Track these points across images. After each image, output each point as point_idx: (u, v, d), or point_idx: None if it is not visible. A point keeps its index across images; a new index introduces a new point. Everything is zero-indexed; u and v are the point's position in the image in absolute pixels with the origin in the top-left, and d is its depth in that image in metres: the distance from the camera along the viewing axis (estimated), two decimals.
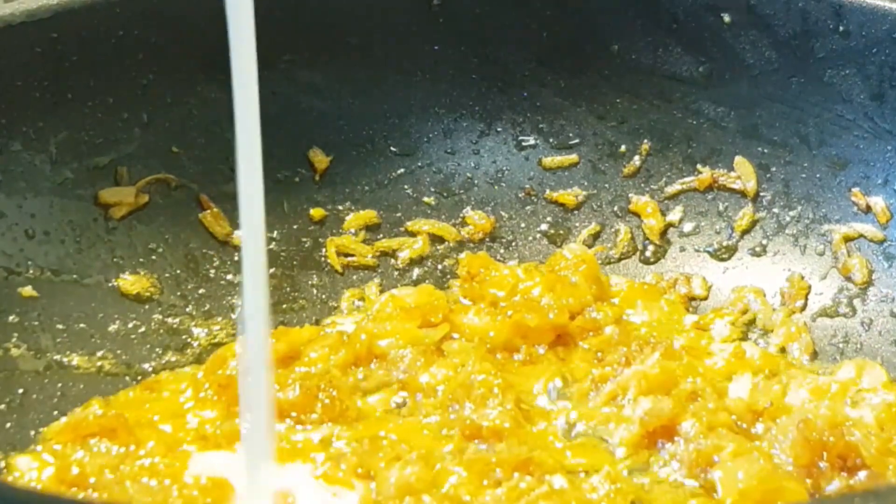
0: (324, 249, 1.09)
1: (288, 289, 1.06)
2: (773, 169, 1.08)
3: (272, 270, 1.07)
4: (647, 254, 1.10)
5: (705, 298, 1.07)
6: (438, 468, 0.82)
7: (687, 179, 1.11)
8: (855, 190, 1.05)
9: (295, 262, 1.08)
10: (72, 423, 0.90)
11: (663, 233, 1.10)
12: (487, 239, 1.11)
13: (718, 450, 0.84)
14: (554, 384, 0.95)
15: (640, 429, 0.87)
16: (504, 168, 1.14)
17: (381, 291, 1.06)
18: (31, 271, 0.99)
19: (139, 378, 0.98)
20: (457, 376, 0.92)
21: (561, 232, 1.12)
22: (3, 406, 0.92)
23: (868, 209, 1.04)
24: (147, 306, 1.02)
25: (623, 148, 1.12)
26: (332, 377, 0.92)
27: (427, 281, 1.08)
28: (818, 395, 0.92)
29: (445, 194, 1.13)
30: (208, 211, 1.07)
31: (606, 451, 0.88)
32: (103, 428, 0.88)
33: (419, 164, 1.13)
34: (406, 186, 1.13)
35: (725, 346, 1.00)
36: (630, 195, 1.12)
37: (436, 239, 1.11)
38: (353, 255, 1.09)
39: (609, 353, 0.96)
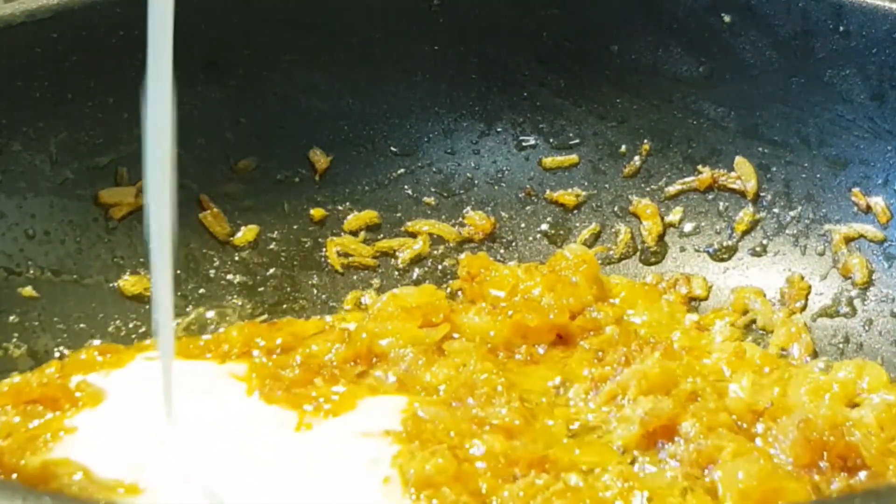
0: (324, 249, 1.09)
1: (288, 289, 1.06)
2: (774, 169, 1.08)
3: (272, 270, 1.07)
4: (648, 254, 1.10)
5: (705, 298, 1.07)
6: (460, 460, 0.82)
7: (687, 179, 1.11)
8: (855, 190, 1.05)
9: (295, 262, 1.08)
10: (14, 387, 0.87)
11: (661, 237, 1.10)
12: (487, 239, 1.11)
13: (718, 450, 0.84)
14: (554, 384, 0.95)
15: (640, 429, 0.87)
16: (504, 168, 1.14)
17: (381, 291, 1.06)
18: (31, 271, 0.99)
19: None
20: (459, 375, 0.92)
21: (561, 232, 1.12)
22: None
23: (868, 209, 1.04)
24: (147, 306, 1.02)
25: (623, 148, 1.12)
26: (333, 370, 0.92)
27: (427, 281, 1.08)
28: (818, 395, 0.92)
29: (445, 194, 1.13)
30: (208, 211, 1.07)
31: (612, 449, 0.88)
32: (44, 396, 0.85)
33: (419, 164, 1.13)
34: (406, 186, 1.12)
35: (725, 346, 1.00)
36: (630, 197, 1.12)
37: (436, 239, 1.11)
38: (353, 255, 1.09)
39: (609, 352, 0.96)
